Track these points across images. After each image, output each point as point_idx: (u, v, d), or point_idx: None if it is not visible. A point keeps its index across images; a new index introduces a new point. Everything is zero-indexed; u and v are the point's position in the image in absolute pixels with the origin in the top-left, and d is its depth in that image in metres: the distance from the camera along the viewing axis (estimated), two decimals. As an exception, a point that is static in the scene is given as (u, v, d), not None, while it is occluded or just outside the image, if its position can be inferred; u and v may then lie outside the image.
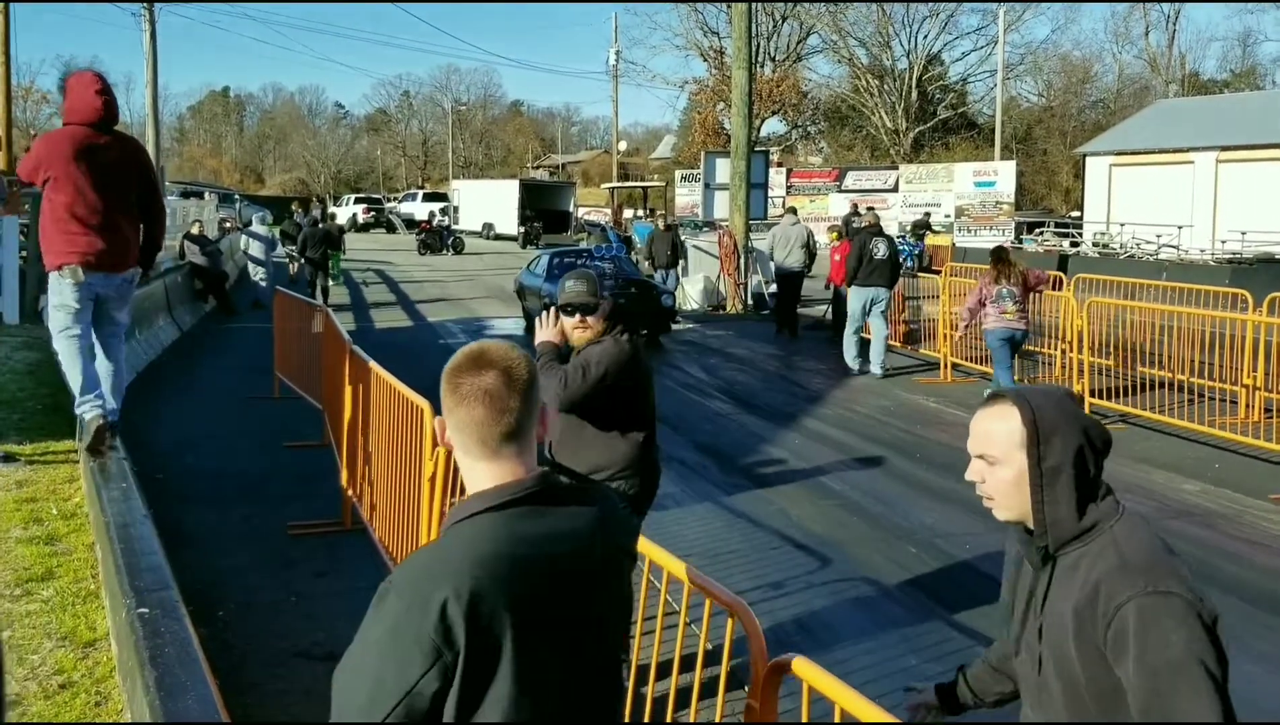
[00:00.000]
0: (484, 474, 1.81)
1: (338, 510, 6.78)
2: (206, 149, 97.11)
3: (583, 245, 28.07)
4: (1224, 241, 28.93)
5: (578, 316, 4.34)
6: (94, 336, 6.09)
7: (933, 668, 4.91)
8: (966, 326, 10.91)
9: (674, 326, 16.10)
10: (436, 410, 1.98)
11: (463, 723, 1.64)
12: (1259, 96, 44.20)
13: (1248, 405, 9.63)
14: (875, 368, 12.74)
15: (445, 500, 4.50)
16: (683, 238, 20.83)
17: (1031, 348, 12.19)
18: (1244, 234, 27.51)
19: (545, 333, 4.38)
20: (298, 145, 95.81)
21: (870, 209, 29.15)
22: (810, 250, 16.08)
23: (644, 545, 3.23)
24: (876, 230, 13.34)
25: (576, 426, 4.38)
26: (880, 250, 12.79)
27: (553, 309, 4.41)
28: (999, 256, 10.63)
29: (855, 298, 12.89)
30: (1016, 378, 10.59)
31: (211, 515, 6.98)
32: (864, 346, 12.98)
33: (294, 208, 37.39)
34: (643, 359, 4.43)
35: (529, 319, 15.89)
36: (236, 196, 45.26)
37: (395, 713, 1.60)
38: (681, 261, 19.80)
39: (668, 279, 18.99)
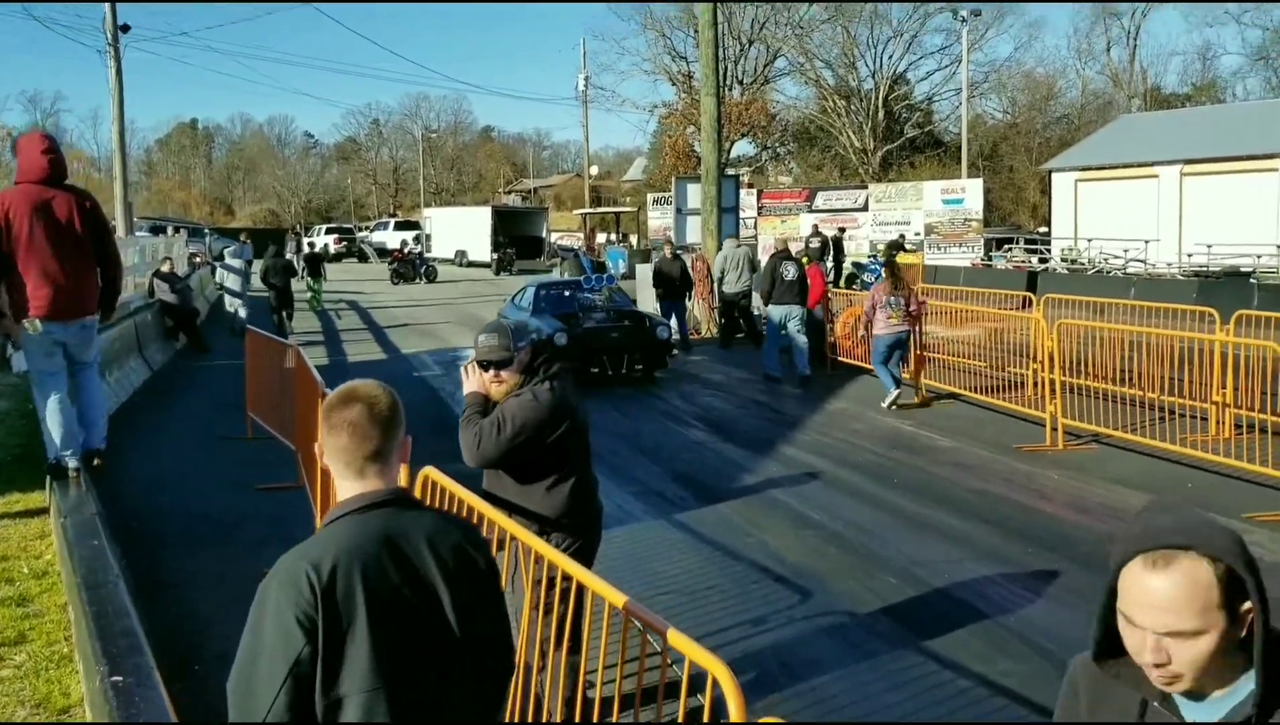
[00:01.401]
0: (350, 488, 2.19)
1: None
2: (175, 182, 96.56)
3: (557, 273, 28.11)
4: (1190, 255, 29.29)
5: (491, 371, 4.33)
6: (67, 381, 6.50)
7: (914, 703, 4.91)
8: (864, 330, 12.48)
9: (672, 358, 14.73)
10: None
11: (327, 693, 1.93)
12: (1220, 109, 44.90)
13: (1218, 422, 9.72)
14: (803, 368, 13.90)
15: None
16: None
17: (1004, 368, 12.28)
18: (1210, 247, 27.88)
19: (470, 383, 4.33)
20: (267, 176, 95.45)
21: (841, 229, 29.40)
22: (755, 270, 17.23)
23: (692, 649, 3.17)
24: (786, 254, 14.74)
25: (495, 478, 4.37)
26: (790, 272, 14.17)
27: (473, 361, 4.38)
28: (892, 270, 12.33)
29: (773, 315, 14.24)
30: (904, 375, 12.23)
31: (185, 560, 6.89)
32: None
33: (288, 238, 37.39)
34: (569, 406, 4.33)
35: None
36: (206, 230, 45.00)
37: (286, 685, 1.89)
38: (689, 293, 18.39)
39: (674, 312, 17.46)
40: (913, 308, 12.08)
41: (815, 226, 29.19)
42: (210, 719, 4.63)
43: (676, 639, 2.78)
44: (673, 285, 17.87)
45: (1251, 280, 23.18)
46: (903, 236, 30.06)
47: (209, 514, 8.19)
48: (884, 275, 12.34)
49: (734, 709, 2.44)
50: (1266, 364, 9.23)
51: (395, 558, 2.07)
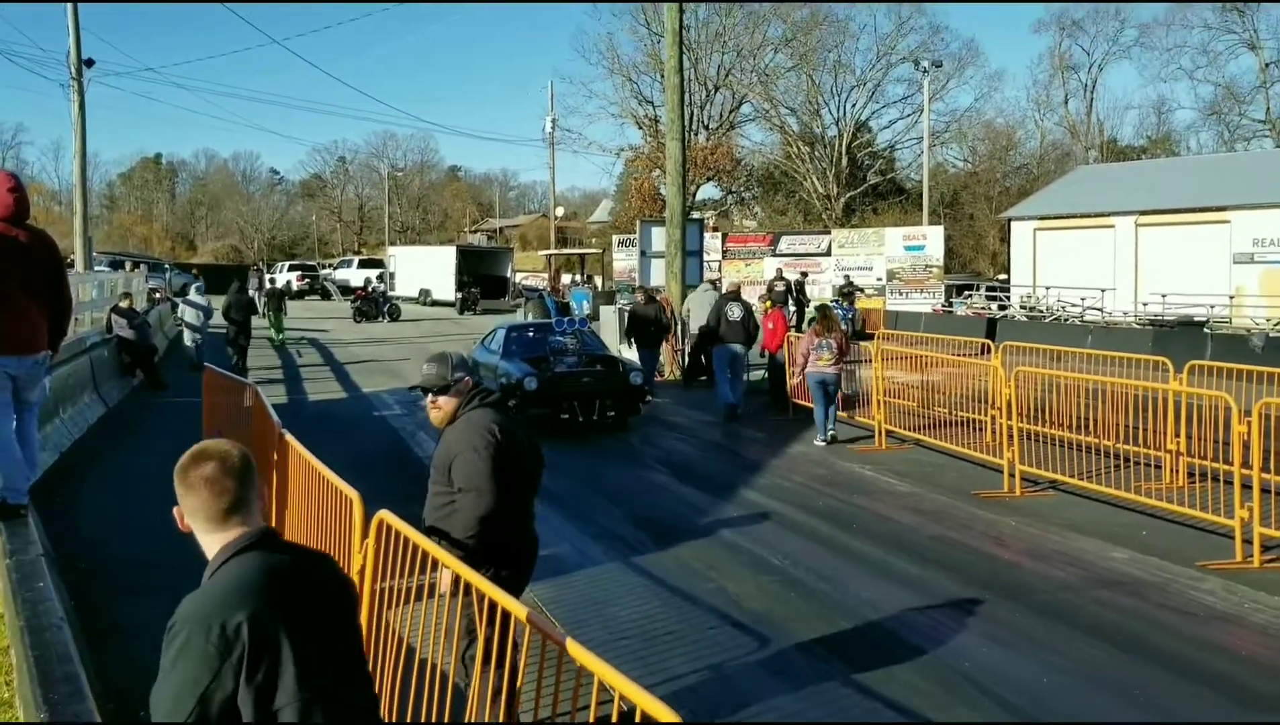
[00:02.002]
0: (218, 541, 2.37)
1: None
2: (137, 216, 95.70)
3: (521, 314, 28.05)
4: (1146, 303, 29.81)
5: (429, 396, 4.70)
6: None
7: (871, 751, 4.90)
8: (800, 372, 13.31)
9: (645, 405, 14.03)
10: (365, 500, 2.49)
11: (263, 704, 2.18)
12: (1175, 162, 45.93)
13: (1172, 470, 9.85)
14: (725, 397, 14.79)
15: (375, 591, 4.42)
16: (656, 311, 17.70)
17: (964, 414, 12.39)
18: (1164, 296, 28.38)
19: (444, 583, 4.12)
20: (231, 212, 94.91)
21: (804, 273, 29.66)
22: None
23: (585, 658, 3.18)
24: (734, 296, 15.70)
25: (435, 510, 4.59)
26: (734, 312, 15.04)
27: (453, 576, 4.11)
28: (825, 315, 13.26)
29: (719, 353, 15.05)
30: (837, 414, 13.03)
31: (137, 606, 6.74)
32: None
33: (250, 274, 37.31)
34: (507, 432, 4.61)
35: None
36: (167, 266, 44.60)
37: (193, 714, 2.13)
38: (666, 339, 17.87)
39: (648, 359, 17.01)
40: (846, 350, 13.15)
41: (779, 271, 29.42)
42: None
43: (575, 650, 2.82)
44: (647, 330, 17.25)
45: (1205, 329, 23.61)
46: (848, 278, 30.41)
47: (160, 555, 8.00)
48: (817, 319, 13.30)
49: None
50: (1218, 413, 9.38)
51: (286, 587, 2.31)
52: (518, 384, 12.92)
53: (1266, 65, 53.67)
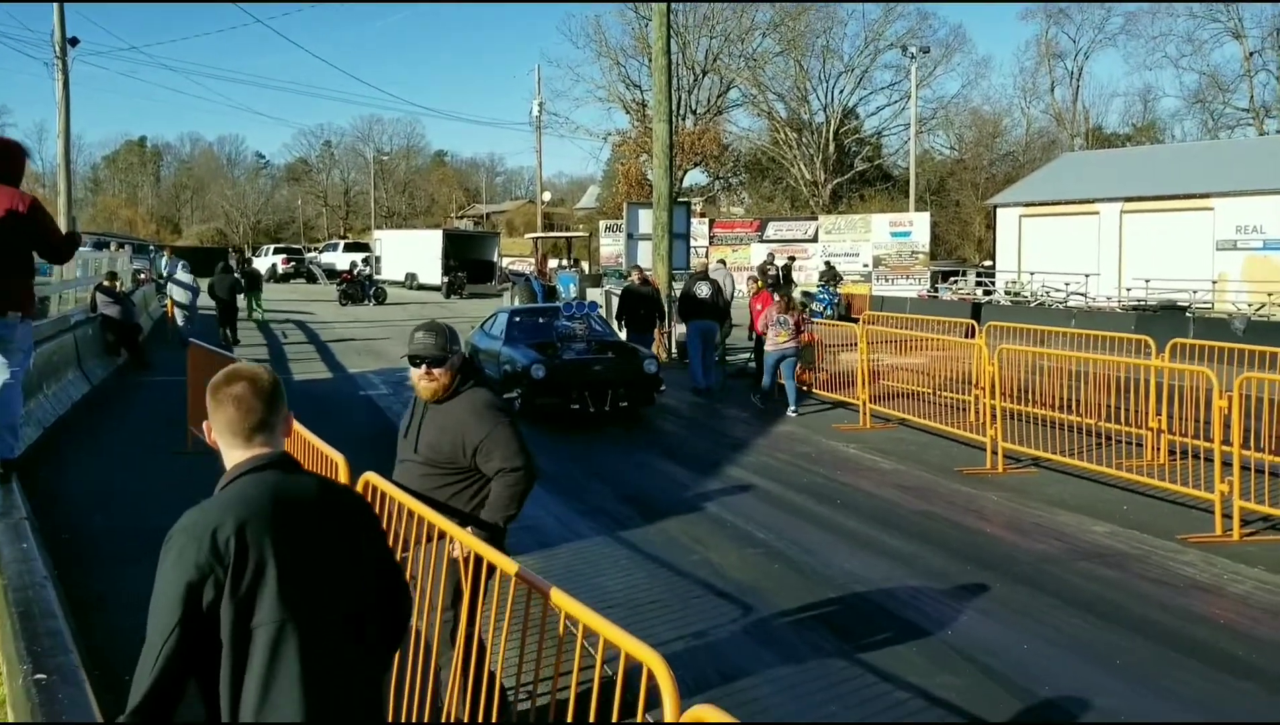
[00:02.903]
0: (236, 457, 2.48)
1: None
2: (122, 199, 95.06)
3: (508, 298, 27.98)
4: (1129, 289, 29.96)
5: (424, 367, 4.46)
6: None
7: (855, 713, 4.94)
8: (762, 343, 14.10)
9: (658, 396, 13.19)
10: (352, 464, 2.33)
11: (242, 620, 2.25)
12: (1159, 150, 46.11)
13: (1154, 448, 9.93)
14: (697, 381, 15.12)
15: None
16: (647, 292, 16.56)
17: (948, 394, 12.44)
18: (1148, 282, 28.54)
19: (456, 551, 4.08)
20: (216, 195, 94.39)
21: (791, 257, 29.72)
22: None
23: (559, 599, 3.22)
24: (702, 275, 16.10)
25: (417, 476, 4.46)
26: (703, 291, 15.39)
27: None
28: (784, 295, 14.28)
29: (689, 329, 15.52)
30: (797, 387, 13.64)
31: (121, 575, 6.74)
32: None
33: (230, 254, 37.39)
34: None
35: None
36: (152, 247, 44.36)
37: (178, 618, 2.21)
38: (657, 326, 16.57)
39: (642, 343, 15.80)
40: (801, 328, 13.82)
41: (771, 255, 29.48)
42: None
43: (559, 598, 2.84)
44: (638, 313, 16.15)
45: (1187, 314, 23.76)
46: (829, 264, 30.74)
47: (145, 528, 7.99)
48: (777, 298, 13.99)
49: (668, 698, 2.44)
50: (1200, 392, 9.45)
51: (289, 509, 2.39)
52: (524, 372, 12.29)
53: (1250, 54, 53.91)
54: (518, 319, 14.28)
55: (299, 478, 2.52)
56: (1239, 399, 7.81)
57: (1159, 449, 9.88)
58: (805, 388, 14.28)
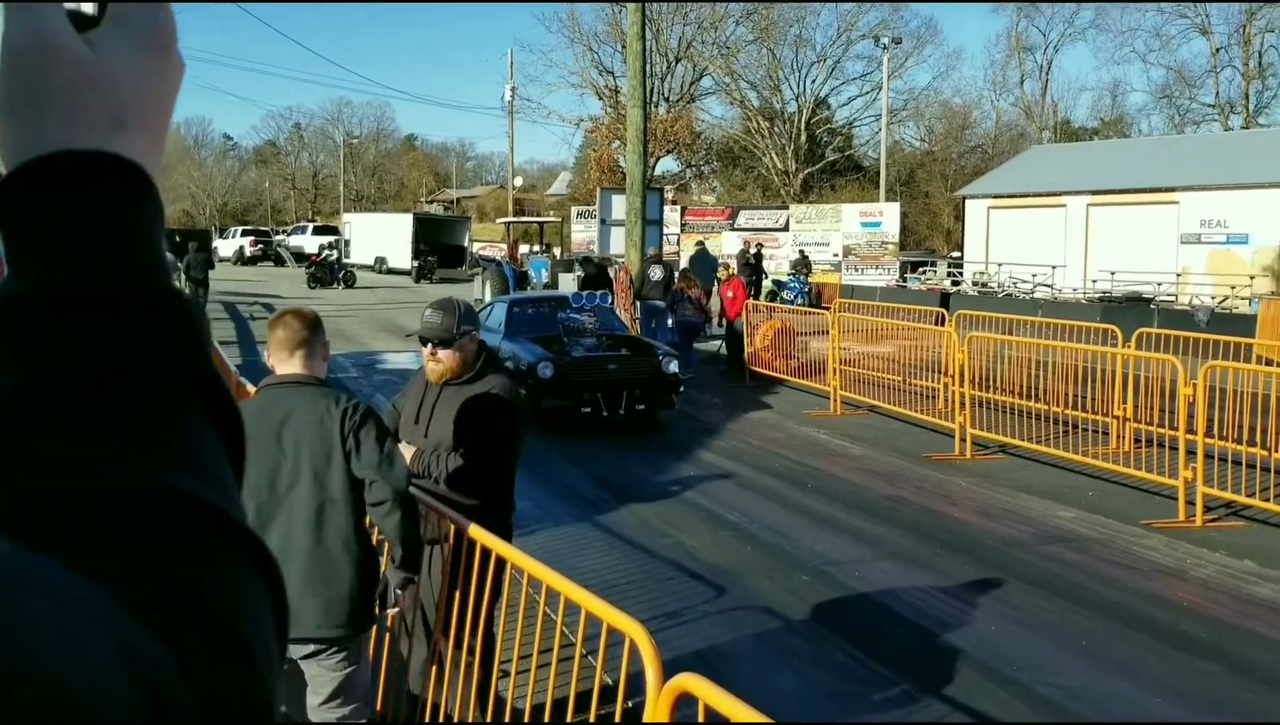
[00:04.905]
0: (280, 370, 3.37)
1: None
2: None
3: (478, 283, 27.81)
4: (1095, 281, 30.27)
5: (429, 347, 4.25)
6: None
7: (826, 692, 5.01)
8: (672, 320, 15.41)
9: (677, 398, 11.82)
10: None
11: None
12: (1126, 144, 46.56)
13: (1119, 436, 10.09)
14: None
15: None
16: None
17: (918, 382, 12.56)
18: (1113, 274, 28.84)
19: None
20: (183, 177, 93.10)
21: (760, 246, 29.84)
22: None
23: (541, 572, 3.26)
24: (656, 259, 16.88)
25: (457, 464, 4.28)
26: (656, 274, 16.04)
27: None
28: (685, 276, 16.25)
29: (643, 310, 16.09)
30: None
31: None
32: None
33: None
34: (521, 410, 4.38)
35: None
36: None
37: None
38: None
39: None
40: (704, 303, 15.66)
41: (747, 242, 29.63)
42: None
43: (541, 572, 2.82)
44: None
45: (1152, 306, 24.05)
46: (802, 252, 31.11)
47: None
48: (681, 278, 15.76)
49: (650, 668, 2.48)
50: (1164, 382, 9.61)
51: (275, 421, 3.23)
52: (529, 371, 10.99)
53: (1217, 50, 54.51)
54: (518, 310, 12.88)
55: (299, 392, 3.31)
56: (1204, 388, 7.96)
57: (1124, 436, 10.04)
58: (777, 375, 14.45)
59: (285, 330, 3.35)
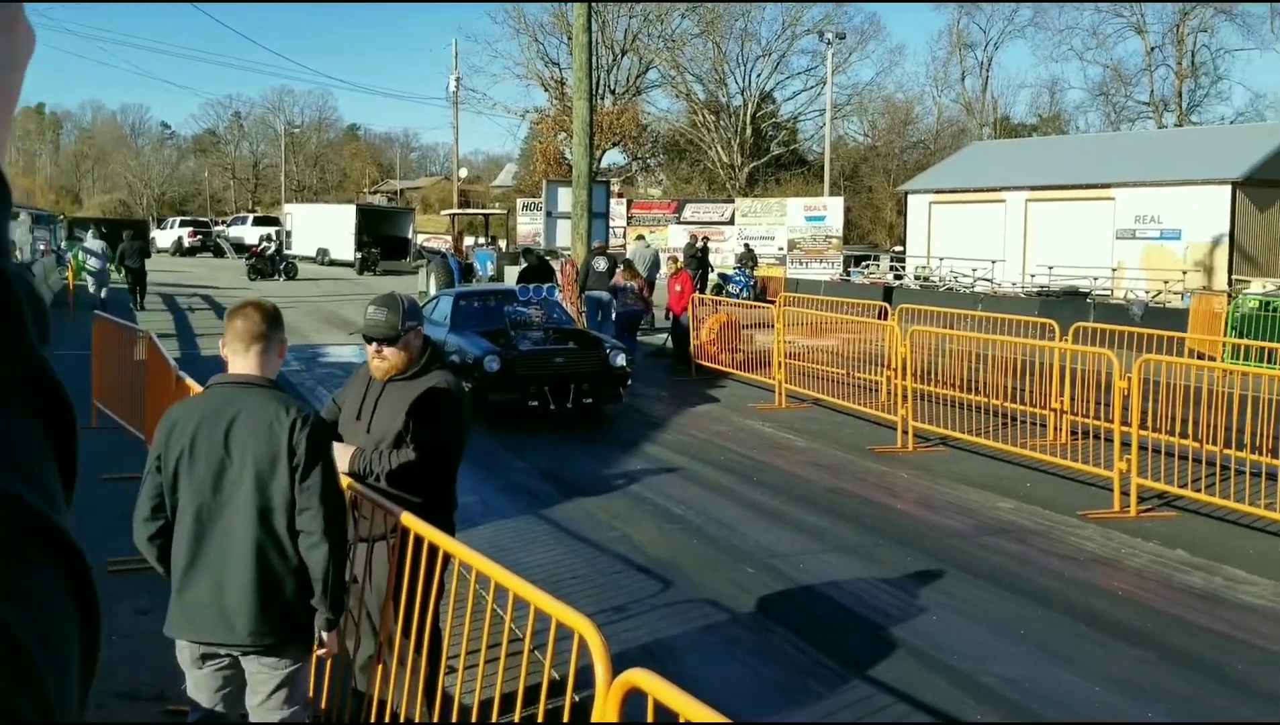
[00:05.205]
0: (233, 365, 3.32)
1: (164, 544, 6.48)
2: (19, 168, 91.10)
3: (423, 276, 27.54)
4: (1033, 275, 30.81)
5: (374, 346, 4.18)
6: None
7: (771, 683, 5.06)
8: (613, 305, 15.70)
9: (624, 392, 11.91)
10: None
11: (171, 495, 3.23)
12: (1064, 140, 47.42)
13: (1056, 428, 10.29)
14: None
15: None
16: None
17: (861, 376, 12.70)
18: (1051, 268, 29.38)
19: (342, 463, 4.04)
20: (119, 165, 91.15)
21: (705, 239, 29.98)
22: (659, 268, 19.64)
23: (488, 567, 3.25)
24: (601, 251, 17.05)
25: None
26: (600, 265, 16.16)
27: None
28: (628, 266, 16.77)
29: (588, 301, 16.15)
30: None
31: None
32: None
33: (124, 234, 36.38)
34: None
35: None
36: (57, 219, 42.73)
37: (145, 485, 3.28)
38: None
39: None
40: (645, 294, 16.13)
41: (694, 236, 29.72)
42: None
43: (489, 568, 2.82)
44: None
45: (1088, 300, 24.53)
46: (747, 246, 31.38)
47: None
48: (621, 268, 16.07)
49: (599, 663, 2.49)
50: (1100, 375, 9.82)
51: (220, 415, 3.22)
52: (475, 364, 10.95)
53: (1152, 49, 55.70)
54: (463, 303, 12.74)
55: (250, 393, 3.24)
56: (1138, 381, 8.15)
57: (1061, 429, 10.25)
58: (722, 368, 14.61)
59: (244, 322, 3.28)
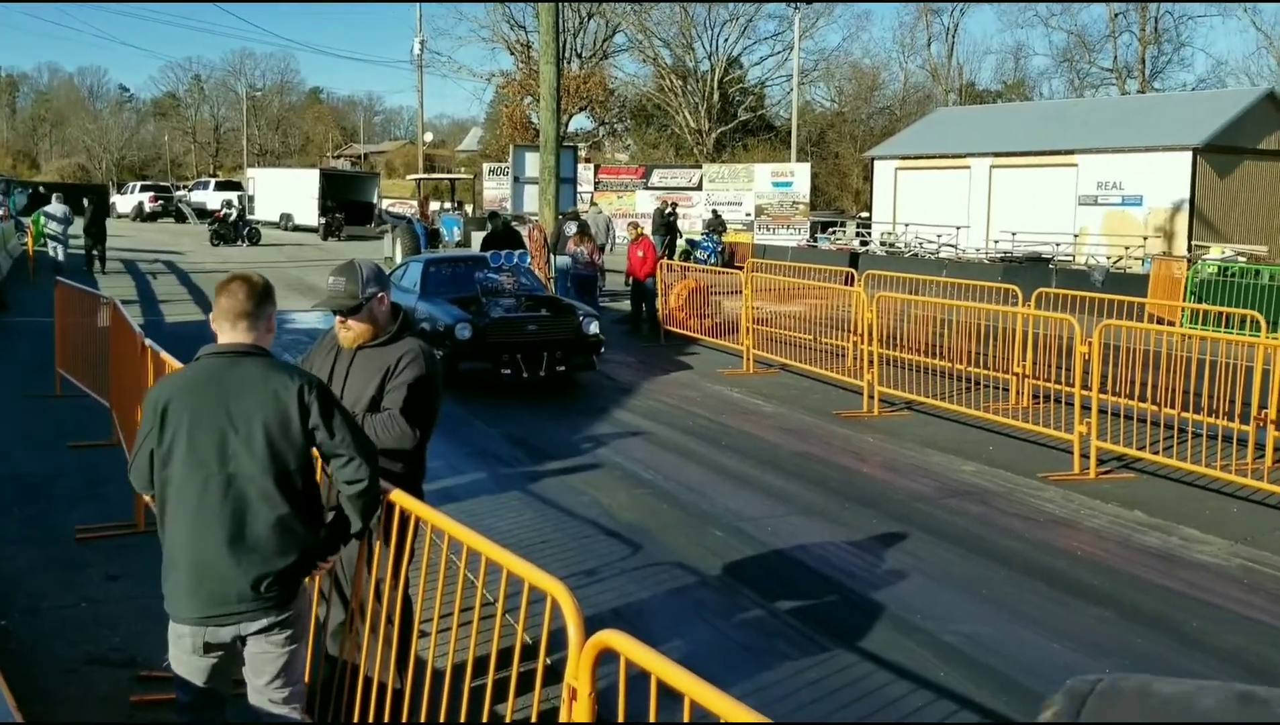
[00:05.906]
0: (221, 338, 3.22)
1: (130, 512, 6.47)
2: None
3: (388, 241, 27.30)
4: (997, 241, 31.04)
5: (337, 317, 4.12)
6: None
7: (739, 644, 5.14)
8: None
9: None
10: None
11: (161, 475, 3.11)
12: (1028, 107, 47.63)
13: (1018, 392, 10.44)
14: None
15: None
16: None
17: (827, 341, 12.79)
18: (1014, 235, 29.61)
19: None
20: (77, 129, 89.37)
21: (674, 204, 29.95)
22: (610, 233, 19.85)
23: (460, 533, 3.28)
24: (573, 216, 17.34)
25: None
26: (570, 230, 16.32)
27: None
28: (582, 230, 16.25)
29: (558, 264, 16.33)
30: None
31: (-11, 522, 6.53)
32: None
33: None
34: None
35: None
36: (10, 182, 41.94)
37: (135, 460, 3.19)
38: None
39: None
40: (595, 257, 16.04)
41: (663, 201, 29.65)
42: (20, 666, 4.45)
43: (460, 532, 2.85)
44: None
45: (1050, 265, 24.78)
46: (715, 212, 31.41)
47: (14, 472, 7.77)
48: (575, 231, 16.04)
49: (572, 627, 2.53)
50: (1062, 340, 9.96)
51: (213, 385, 3.12)
52: (447, 332, 10.87)
53: (1115, 15, 55.96)
54: (433, 270, 12.56)
55: (244, 362, 3.15)
56: (1099, 346, 8.28)
57: (1023, 393, 10.40)
58: (691, 334, 14.71)
59: (230, 300, 3.17)
